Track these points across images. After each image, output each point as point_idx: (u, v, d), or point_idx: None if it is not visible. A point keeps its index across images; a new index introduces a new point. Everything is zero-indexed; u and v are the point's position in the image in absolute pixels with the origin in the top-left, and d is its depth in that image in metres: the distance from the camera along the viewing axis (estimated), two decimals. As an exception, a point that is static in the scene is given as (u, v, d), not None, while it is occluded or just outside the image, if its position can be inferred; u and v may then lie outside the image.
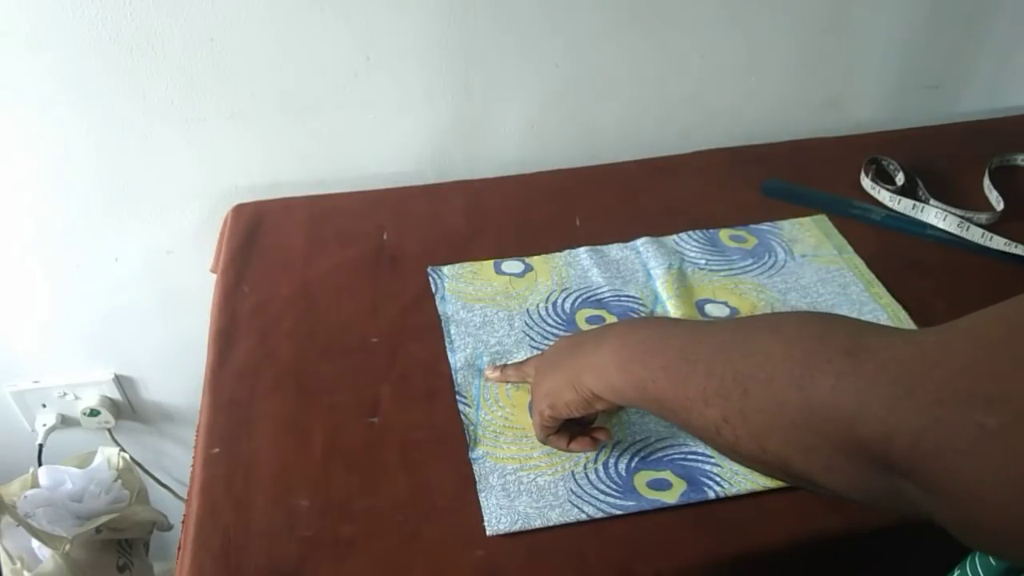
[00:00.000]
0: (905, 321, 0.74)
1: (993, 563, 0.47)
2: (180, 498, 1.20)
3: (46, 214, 0.93)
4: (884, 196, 0.89)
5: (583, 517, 0.59)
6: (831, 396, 0.36)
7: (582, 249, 0.83)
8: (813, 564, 0.60)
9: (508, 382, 0.69)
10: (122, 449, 1.09)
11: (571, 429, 0.61)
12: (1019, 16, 1.00)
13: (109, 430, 1.15)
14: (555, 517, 0.59)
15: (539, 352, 0.70)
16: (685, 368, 0.45)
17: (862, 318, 0.75)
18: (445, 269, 0.80)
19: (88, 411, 1.10)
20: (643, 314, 0.76)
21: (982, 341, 0.32)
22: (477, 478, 0.61)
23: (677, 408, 0.46)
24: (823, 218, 0.87)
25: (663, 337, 0.49)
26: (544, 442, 0.62)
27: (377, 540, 0.58)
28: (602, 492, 0.60)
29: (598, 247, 0.83)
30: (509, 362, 0.71)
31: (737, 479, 0.61)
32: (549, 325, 0.75)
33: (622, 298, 0.77)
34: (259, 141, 0.91)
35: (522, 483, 0.61)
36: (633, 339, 0.51)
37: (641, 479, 0.61)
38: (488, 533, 0.58)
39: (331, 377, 0.70)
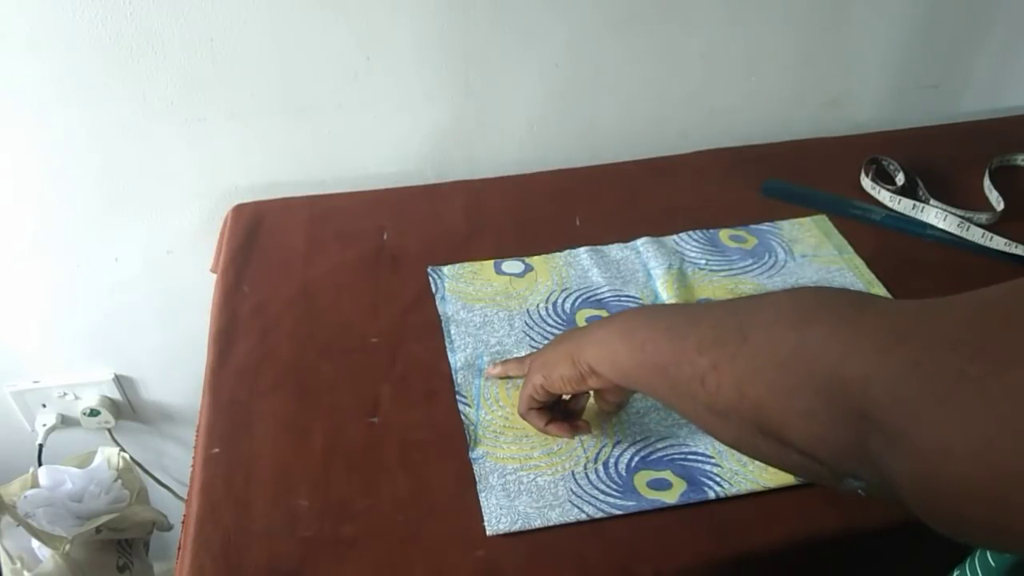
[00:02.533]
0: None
1: (993, 564, 0.47)
2: (180, 498, 1.20)
3: (46, 214, 0.93)
4: (884, 196, 0.89)
5: (583, 517, 0.59)
6: (825, 339, 0.36)
7: (582, 249, 0.83)
8: (813, 564, 0.60)
9: (510, 376, 0.69)
10: (122, 449, 1.09)
11: (553, 413, 0.62)
12: (1019, 16, 1.00)
13: (109, 430, 1.15)
14: (555, 517, 0.59)
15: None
16: (690, 325, 0.46)
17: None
18: (445, 269, 0.80)
19: (88, 411, 1.10)
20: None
21: (980, 301, 0.32)
22: (477, 478, 0.61)
23: (668, 363, 0.46)
24: (823, 218, 0.87)
25: (677, 307, 0.51)
26: (523, 416, 0.63)
27: (377, 540, 0.58)
28: (602, 492, 0.60)
29: (598, 247, 0.83)
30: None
31: (737, 479, 0.61)
32: (549, 325, 0.75)
33: (622, 298, 0.77)
34: (259, 141, 0.91)
35: (522, 483, 0.61)
36: (645, 311, 0.53)
37: (641, 479, 0.61)
38: (488, 533, 0.58)
39: (331, 377, 0.70)
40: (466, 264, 0.81)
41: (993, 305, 0.31)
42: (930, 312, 0.33)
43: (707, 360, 0.42)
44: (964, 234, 0.83)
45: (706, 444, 0.64)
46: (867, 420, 0.33)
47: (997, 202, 0.88)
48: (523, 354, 0.71)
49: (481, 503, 0.60)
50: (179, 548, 0.61)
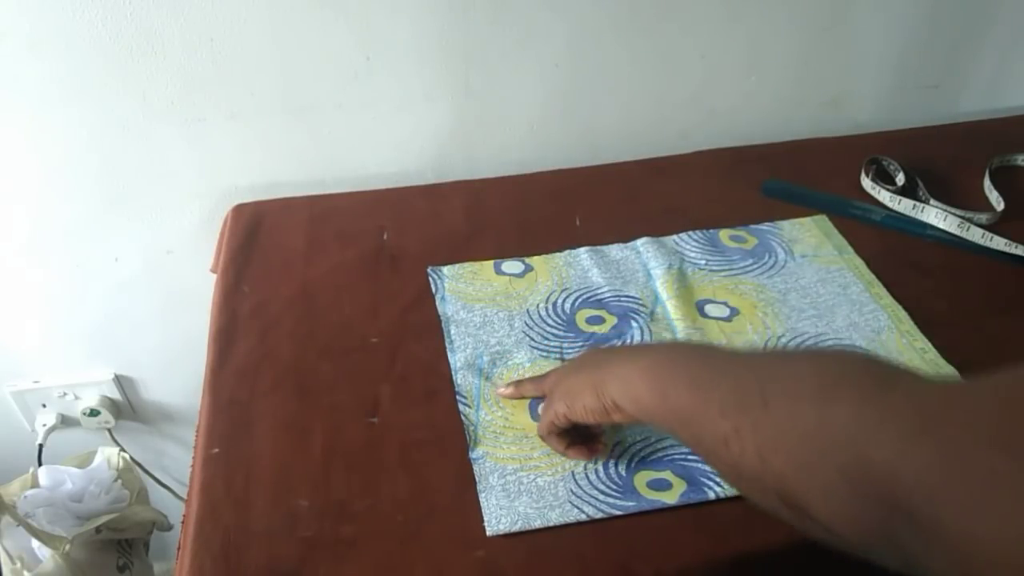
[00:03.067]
0: (905, 321, 0.74)
1: None
2: (180, 498, 1.20)
3: (46, 214, 0.93)
4: (884, 196, 0.89)
5: (583, 517, 0.59)
6: (850, 418, 0.36)
7: (582, 249, 0.83)
8: (813, 565, 0.59)
9: (525, 397, 0.68)
10: (122, 449, 1.09)
11: (572, 435, 0.62)
12: (1019, 16, 1.00)
13: (109, 430, 1.15)
14: (555, 517, 0.59)
15: (559, 365, 0.69)
16: (712, 380, 0.45)
17: (862, 318, 0.75)
18: (445, 269, 0.80)
19: (88, 411, 1.10)
20: (643, 314, 0.76)
21: (1012, 392, 0.32)
22: (477, 478, 0.61)
23: (691, 418, 0.45)
24: (823, 218, 0.87)
25: (700, 355, 0.49)
26: (544, 439, 0.62)
27: (377, 540, 0.58)
28: (602, 492, 0.60)
29: (598, 247, 0.83)
30: (508, 365, 0.70)
31: (737, 479, 0.61)
32: (549, 325, 0.75)
33: (622, 298, 0.77)
34: (259, 141, 0.91)
35: (522, 483, 0.61)
36: (669, 354, 0.52)
37: (641, 479, 0.61)
38: (488, 533, 0.58)
39: (331, 377, 0.70)
40: (466, 264, 0.81)
41: (1020, 394, 0.31)
42: (956, 399, 0.33)
43: (729, 424, 0.42)
44: (964, 234, 0.83)
45: (706, 444, 0.64)
46: (894, 506, 0.33)
47: (997, 202, 0.88)
48: (521, 358, 0.71)
49: (481, 503, 0.60)
50: (179, 548, 0.61)
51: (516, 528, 0.58)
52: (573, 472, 0.62)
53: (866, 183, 0.91)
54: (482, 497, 0.60)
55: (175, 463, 1.23)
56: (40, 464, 1.09)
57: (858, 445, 0.34)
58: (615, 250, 0.83)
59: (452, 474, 0.62)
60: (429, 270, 0.80)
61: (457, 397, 0.68)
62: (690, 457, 0.63)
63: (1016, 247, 0.81)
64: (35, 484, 0.97)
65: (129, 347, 1.08)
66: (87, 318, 1.04)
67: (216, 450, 0.64)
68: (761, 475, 0.40)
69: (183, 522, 0.63)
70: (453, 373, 0.70)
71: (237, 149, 0.91)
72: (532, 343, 0.73)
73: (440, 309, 0.76)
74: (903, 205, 0.87)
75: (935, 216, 0.85)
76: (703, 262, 0.81)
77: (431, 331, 0.74)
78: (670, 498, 0.60)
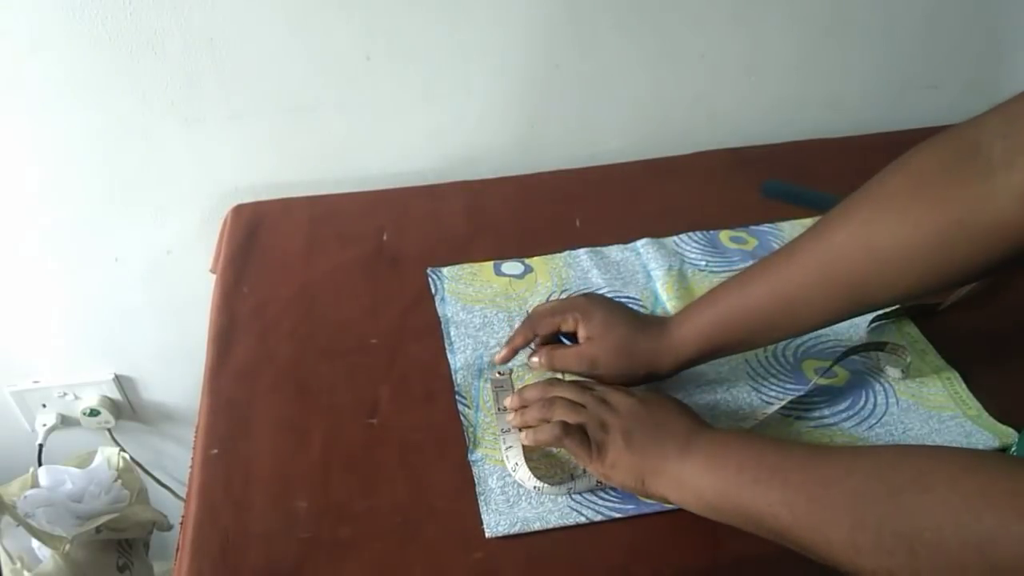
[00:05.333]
0: (905, 320, 0.74)
1: None
2: (180, 498, 1.20)
3: (46, 214, 0.93)
4: None
5: (582, 520, 0.59)
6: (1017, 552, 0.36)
7: (582, 250, 0.83)
8: (812, 568, 0.59)
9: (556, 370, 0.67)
10: (122, 449, 1.09)
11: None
12: (1019, 16, 1.00)
13: (109, 430, 1.15)
14: (554, 520, 0.58)
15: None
16: (818, 513, 0.45)
17: (863, 318, 0.74)
18: (445, 270, 0.80)
19: (88, 411, 1.10)
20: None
21: None
22: (476, 480, 0.61)
23: (810, 545, 0.46)
24: (823, 219, 0.87)
25: (771, 468, 0.49)
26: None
27: (376, 542, 0.58)
28: (601, 496, 0.60)
29: (598, 248, 0.83)
30: (508, 367, 0.70)
31: (736, 481, 0.61)
32: (549, 326, 0.74)
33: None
34: (259, 141, 0.91)
35: (521, 486, 0.61)
36: (729, 461, 0.52)
37: (640, 481, 0.61)
38: (487, 536, 0.58)
39: (330, 378, 0.70)
40: (465, 265, 0.81)
41: None
42: None
43: (876, 563, 0.42)
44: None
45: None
46: None
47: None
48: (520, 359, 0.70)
49: (480, 505, 0.60)
50: (178, 549, 0.61)
51: (515, 530, 0.58)
52: (573, 474, 0.62)
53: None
54: (481, 499, 0.60)
55: (175, 463, 1.23)
56: (40, 464, 1.09)
57: None
58: (615, 251, 0.83)
59: (451, 476, 0.62)
60: (429, 271, 0.80)
61: (456, 398, 0.68)
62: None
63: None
64: (35, 484, 0.97)
65: (129, 347, 1.08)
66: (87, 318, 1.04)
67: (215, 451, 0.64)
68: None
69: (182, 523, 0.63)
70: (453, 374, 0.70)
71: (237, 149, 0.91)
72: (532, 345, 0.73)
73: (440, 310, 0.76)
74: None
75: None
76: (703, 263, 0.81)
77: (431, 332, 0.74)
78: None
